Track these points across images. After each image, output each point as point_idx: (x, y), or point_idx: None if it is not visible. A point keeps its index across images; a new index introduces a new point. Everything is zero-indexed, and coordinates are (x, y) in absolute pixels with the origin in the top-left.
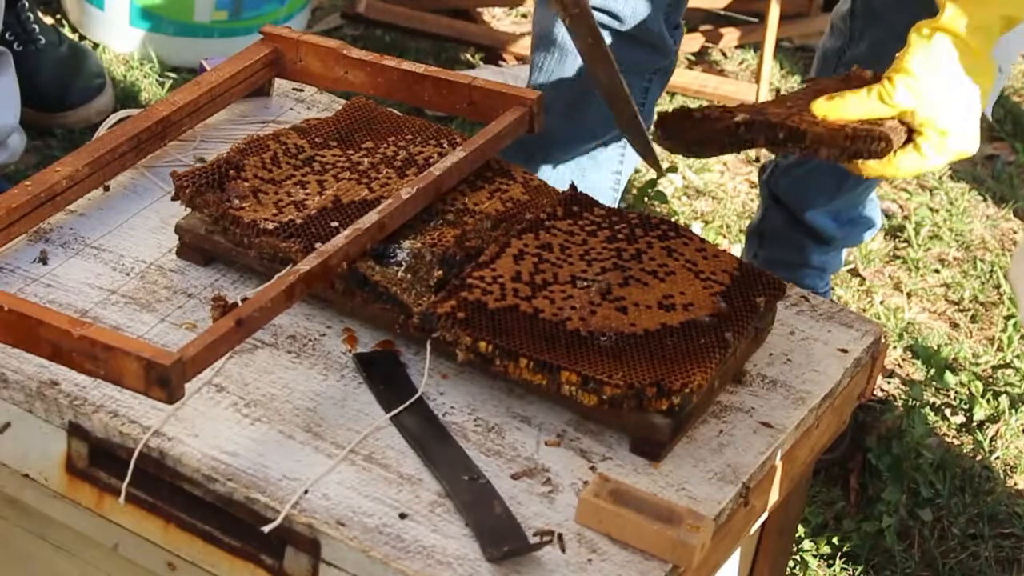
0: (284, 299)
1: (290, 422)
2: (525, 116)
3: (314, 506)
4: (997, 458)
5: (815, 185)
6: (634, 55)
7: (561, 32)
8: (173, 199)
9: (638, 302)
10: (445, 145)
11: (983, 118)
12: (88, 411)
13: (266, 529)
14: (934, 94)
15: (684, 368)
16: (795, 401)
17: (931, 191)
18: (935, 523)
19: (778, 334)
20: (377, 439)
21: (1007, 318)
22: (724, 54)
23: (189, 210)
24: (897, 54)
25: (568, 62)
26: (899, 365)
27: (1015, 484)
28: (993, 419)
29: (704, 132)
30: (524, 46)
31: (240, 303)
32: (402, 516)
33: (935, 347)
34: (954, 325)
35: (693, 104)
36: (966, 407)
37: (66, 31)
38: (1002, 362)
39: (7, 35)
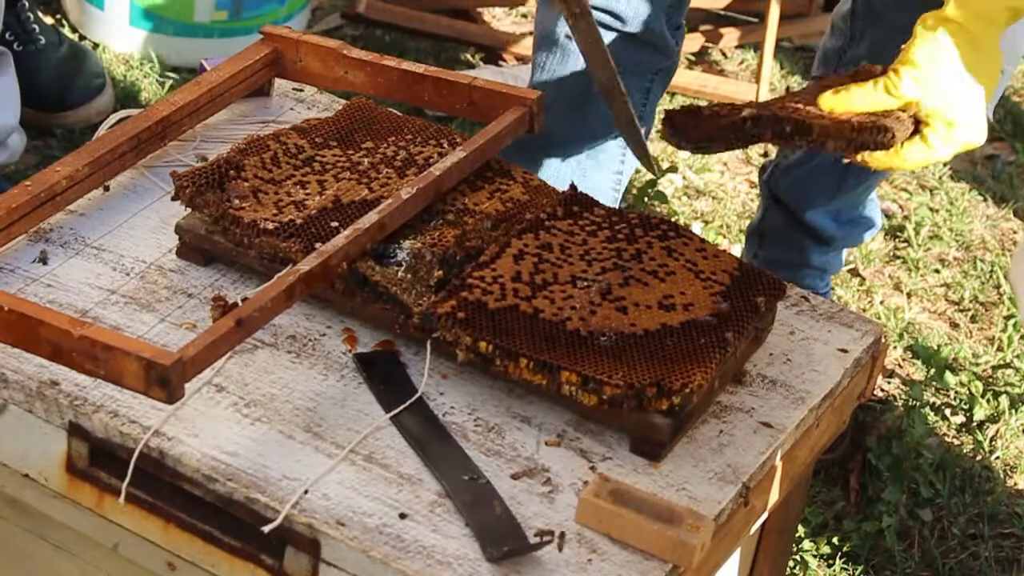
0: (284, 299)
1: (290, 422)
2: (525, 116)
3: (314, 506)
4: (997, 458)
5: (815, 185)
6: (636, 55)
7: (563, 32)
8: (173, 199)
9: (638, 302)
10: (445, 145)
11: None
12: (88, 411)
13: (266, 529)
14: (940, 85)
15: (684, 368)
16: (795, 401)
17: (931, 191)
18: (935, 523)
19: (778, 334)
20: (377, 439)
21: (1007, 318)
22: (724, 54)
23: (189, 210)
24: (903, 46)
25: (570, 62)
26: (899, 365)
27: (1015, 484)
28: (993, 419)
29: (711, 129)
30: (524, 46)
31: (240, 303)
32: (402, 516)
33: (935, 347)
34: (954, 325)
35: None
36: (966, 407)
37: (66, 31)
38: (1002, 362)
39: (7, 35)
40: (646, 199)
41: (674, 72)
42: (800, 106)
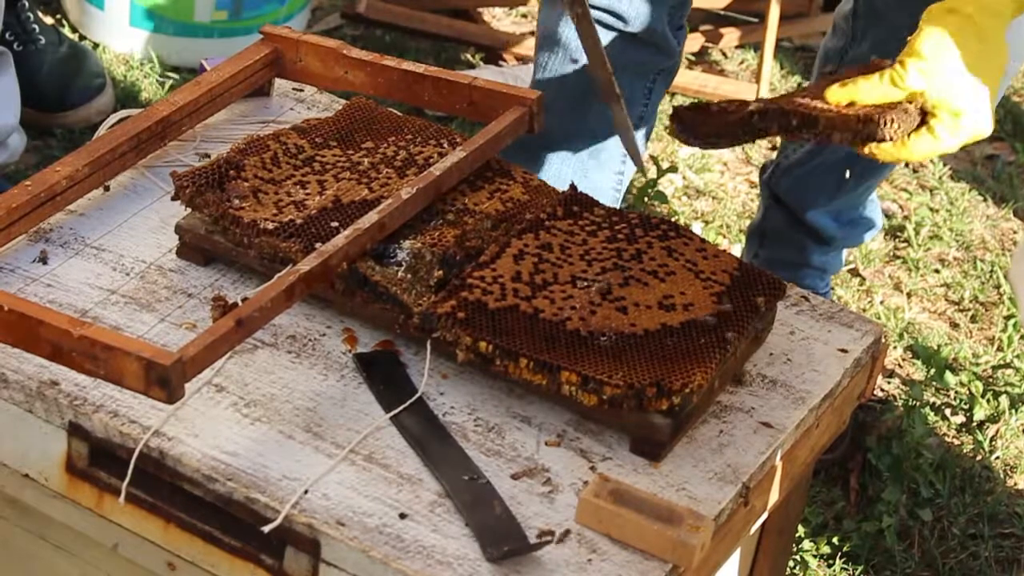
0: (284, 299)
1: (290, 422)
2: (525, 116)
3: (314, 506)
4: (997, 458)
5: (816, 185)
6: (638, 56)
7: (565, 32)
8: (173, 199)
9: (638, 302)
10: (445, 145)
11: None
12: (88, 411)
13: (266, 529)
14: (946, 76)
15: (684, 368)
16: (795, 401)
17: (931, 191)
18: (935, 523)
19: (778, 334)
20: (377, 439)
21: (1007, 318)
22: (724, 54)
23: (189, 210)
24: (909, 38)
25: (571, 62)
26: (899, 365)
27: (1015, 484)
28: (993, 419)
29: (719, 124)
30: (524, 46)
31: (240, 303)
32: (402, 516)
33: (935, 347)
34: (954, 325)
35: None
36: (966, 407)
37: (66, 31)
38: (1002, 362)
39: (7, 35)
40: (646, 199)
41: (676, 72)
42: (807, 100)
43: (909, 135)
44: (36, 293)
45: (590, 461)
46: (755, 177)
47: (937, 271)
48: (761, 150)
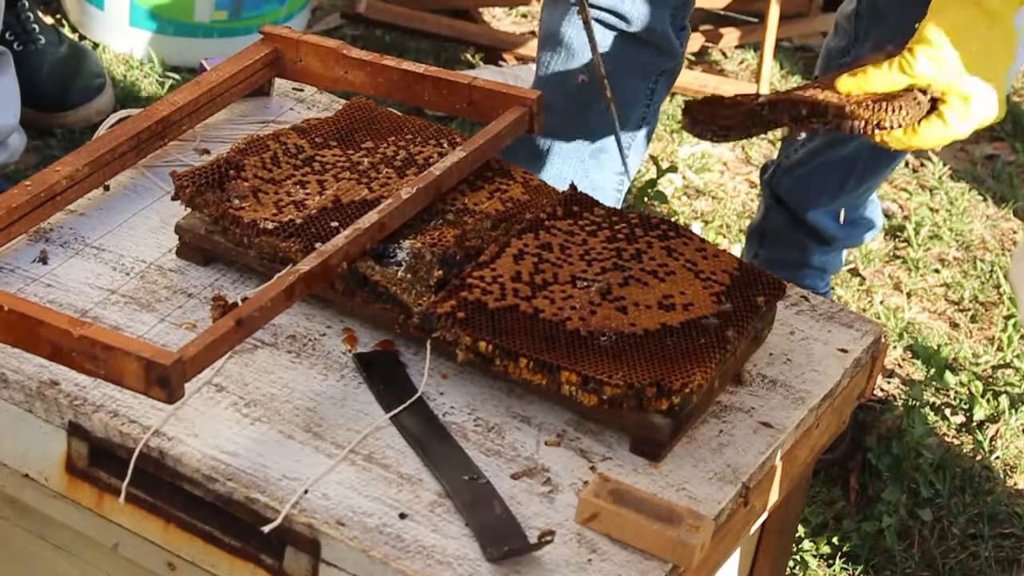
0: (284, 299)
1: (290, 422)
2: (525, 116)
3: (314, 506)
4: (997, 458)
5: (817, 185)
6: (640, 56)
7: (567, 32)
8: (173, 199)
9: (638, 302)
10: (445, 145)
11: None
12: (88, 411)
13: (266, 529)
14: (954, 63)
15: (684, 368)
16: (795, 401)
17: (931, 191)
18: (935, 523)
19: (778, 334)
20: (377, 439)
21: (1007, 318)
22: (724, 54)
23: (189, 210)
24: (918, 24)
25: (573, 62)
26: (899, 365)
27: (1015, 484)
28: (993, 419)
29: (729, 117)
30: (524, 46)
31: (240, 303)
32: (402, 516)
33: (935, 347)
34: (954, 325)
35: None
36: (966, 407)
37: (66, 31)
38: (1002, 362)
39: (7, 35)
40: (646, 199)
41: (678, 73)
42: (817, 89)
43: (919, 122)
44: (36, 293)
45: (590, 461)
46: (755, 177)
47: (937, 271)
48: (761, 150)
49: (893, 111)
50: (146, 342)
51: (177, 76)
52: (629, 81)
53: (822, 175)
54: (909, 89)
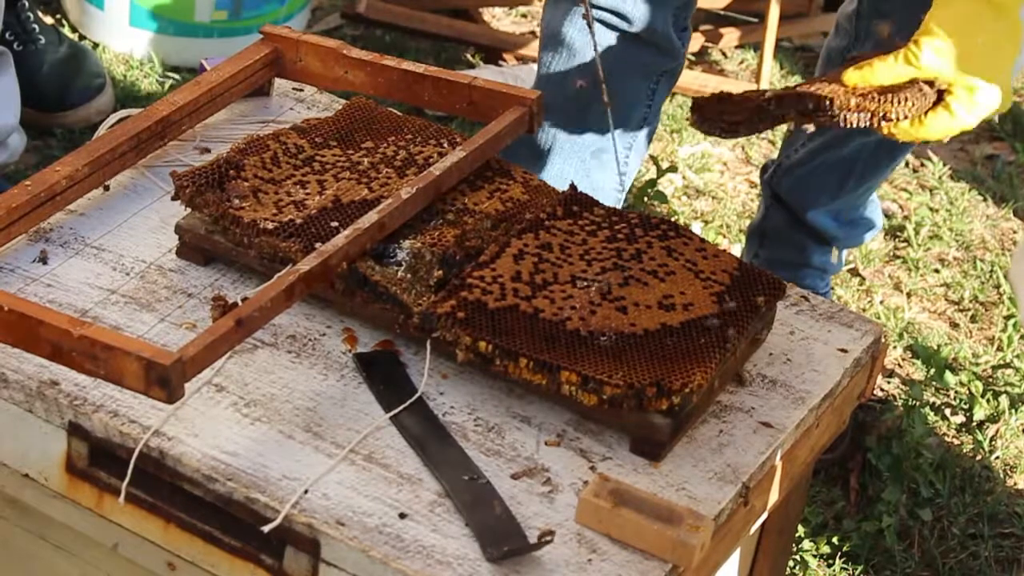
0: (284, 299)
1: (290, 422)
2: (525, 116)
3: (314, 506)
4: (997, 458)
5: (817, 185)
6: (642, 56)
7: (569, 32)
8: (173, 199)
9: (638, 302)
10: (445, 145)
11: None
12: (88, 411)
13: (266, 529)
14: (960, 54)
15: (684, 368)
16: (795, 401)
17: (931, 191)
18: (935, 523)
19: (778, 334)
20: (377, 439)
21: (1007, 318)
22: (724, 54)
23: (189, 210)
24: (924, 16)
25: (575, 62)
26: (899, 365)
27: (1015, 484)
28: (993, 419)
29: (737, 113)
30: (524, 46)
31: (240, 303)
32: (402, 516)
33: (935, 347)
34: (954, 325)
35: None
36: (966, 407)
37: (66, 31)
38: (1002, 362)
39: (7, 35)
40: (646, 199)
41: (680, 74)
42: (823, 84)
43: (926, 113)
44: (36, 293)
45: (590, 461)
46: (755, 177)
47: (937, 271)
48: (761, 150)
49: (899, 103)
50: (146, 342)
51: (177, 76)
52: (630, 81)
53: (822, 175)
54: (915, 81)
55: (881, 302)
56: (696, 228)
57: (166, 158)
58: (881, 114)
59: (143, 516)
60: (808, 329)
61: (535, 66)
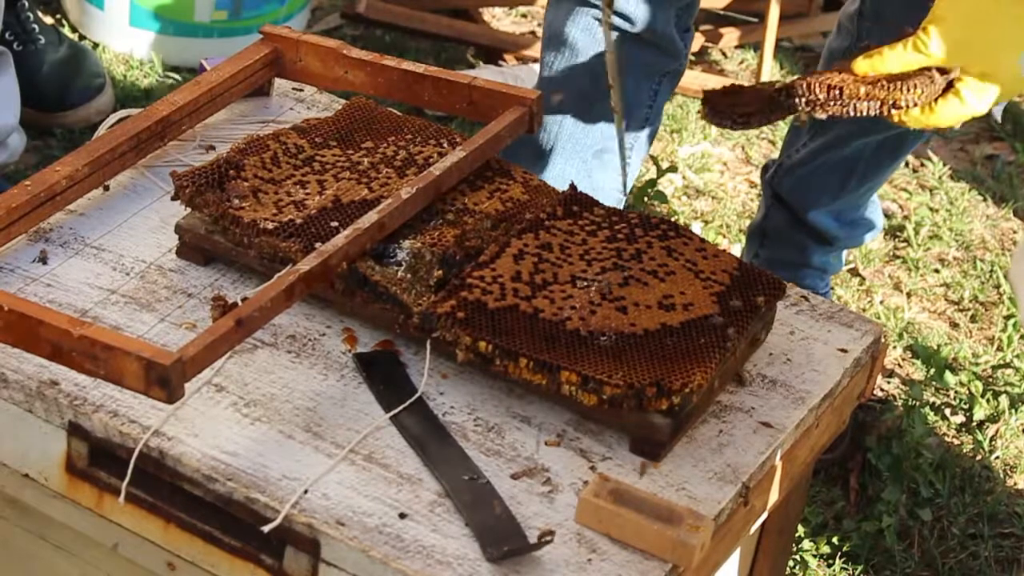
0: (284, 299)
1: (290, 422)
2: (525, 116)
3: (314, 506)
4: (997, 458)
5: (818, 185)
6: (644, 57)
7: (572, 32)
8: (173, 199)
9: (638, 302)
10: (445, 145)
11: (990, 116)
12: (88, 411)
13: (266, 529)
14: (969, 40)
15: (684, 368)
16: (795, 401)
17: (931, 191)
18: (935, 523)
19: (778, 334)
20: (377, 439)
21: (1007, 318)
22: (724, 54)
23: (189, 210)
24: (933, 3)
25: (577, 62)
26: (899, 365)
27: (1015, 484)
28: (993, 419)
29: (747, 105)
30: (524, 46)
31: (240, 303)
32: (402, 516)
33: (935, 347)
34: (954, 325)
35: (694, 105)
36: (966, 407)
37: (66, 31)
38: (1002, 362)
39: (7, 35)
40: (646, 199)
41: (682, 74)
42: (834, 73)
43: (936, 100)
44: (36, 293)
45: (590, 461)
46: (755, 177)
47: (937, 271)
48: (761, 150)
49: (908, 90)
50: (146, 342)
51: (177, 76)
52: (633, 82)
53: (823, 175)
54: (925, 69)
55: (881, 302)
56: (696, 228)
57: (166, 158)
58: (891, 102)
59: (143, 516)
60: (808, 329)
61: (535, 66)
